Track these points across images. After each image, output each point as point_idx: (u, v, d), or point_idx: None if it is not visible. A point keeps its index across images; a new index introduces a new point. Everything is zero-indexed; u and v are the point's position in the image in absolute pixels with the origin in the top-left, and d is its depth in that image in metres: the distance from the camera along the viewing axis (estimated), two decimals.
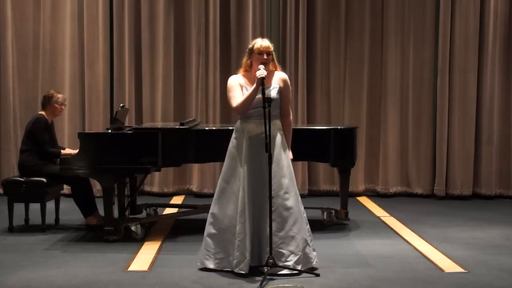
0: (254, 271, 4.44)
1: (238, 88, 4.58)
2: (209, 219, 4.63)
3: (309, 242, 4.56)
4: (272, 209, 4.37)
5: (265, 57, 4.51)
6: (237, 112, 4.65)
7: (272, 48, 4.59)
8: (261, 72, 4.41)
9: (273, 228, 4.39)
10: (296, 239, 4.49)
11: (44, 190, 5.79)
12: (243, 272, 4.40)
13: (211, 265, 4.57)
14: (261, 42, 4.57)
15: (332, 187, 7.96)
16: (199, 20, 7.90)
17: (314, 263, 4.57)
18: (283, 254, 4.46)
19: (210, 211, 4.63)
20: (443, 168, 7.91)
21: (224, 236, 4.54)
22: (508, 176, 8.01)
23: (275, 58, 4.65)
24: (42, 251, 5.18)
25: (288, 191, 4.51)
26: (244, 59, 4.66)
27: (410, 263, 4.85)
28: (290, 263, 4.45)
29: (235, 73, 4.73)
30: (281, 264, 4.42)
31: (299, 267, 4.46)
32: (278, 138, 4.55)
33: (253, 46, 4.57)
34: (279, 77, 4.63)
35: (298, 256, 4.47)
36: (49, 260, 4.90)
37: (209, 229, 4.61)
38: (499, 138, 7.98)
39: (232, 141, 4.62)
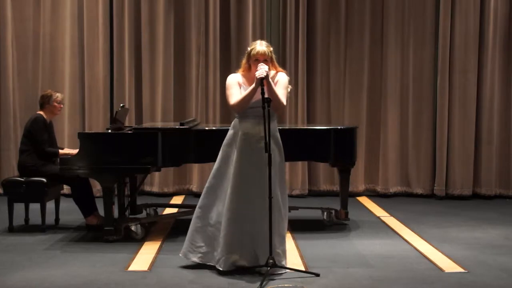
0: (253, 272, 4.46)
1: (237, 87, 4.59)
2: (196, 213, 4.66)
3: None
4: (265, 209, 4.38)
5: (261, 63, 4.46)
6: (234, 110, 4.68)
7: (270, 53, 4.53)
8: (261, 72, 4.38)
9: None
10: (285, 237, 4.59)
11: (44, 190, 5.78)
12: (220, 269, 4.45)
13: (194, 258, 4.62)
14: (258, 48, 4.52)
15: (332, 187, 7.95)
16: (199, 20, 7.90)
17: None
18: (278, 253, 4.48)
19: (198, 205, 4.66)
20: (443, 168, 7.90)
21: (210, 231, 4.58)
22: (508, 176, 8.00)
23: (274, 59, 4.62)
24: (42, 251, 5.18)
25: (277, 191, 4.51)
26: (243, 61, 4.65)
27: (410, 263, 4.85)
28: (284, 262, 4.50)
29: (235, 72, 4.73)
30: (278, 264, 4.43)
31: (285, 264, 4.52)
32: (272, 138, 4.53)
33: (251, 51, 4.55)
34: (276, 78, 4.61)
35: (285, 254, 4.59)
36: (49, 260, 4.91)
37: (196, 222, 4.64)
38: (499, 138, 7.97)
39: (226, 138, 4.64)
